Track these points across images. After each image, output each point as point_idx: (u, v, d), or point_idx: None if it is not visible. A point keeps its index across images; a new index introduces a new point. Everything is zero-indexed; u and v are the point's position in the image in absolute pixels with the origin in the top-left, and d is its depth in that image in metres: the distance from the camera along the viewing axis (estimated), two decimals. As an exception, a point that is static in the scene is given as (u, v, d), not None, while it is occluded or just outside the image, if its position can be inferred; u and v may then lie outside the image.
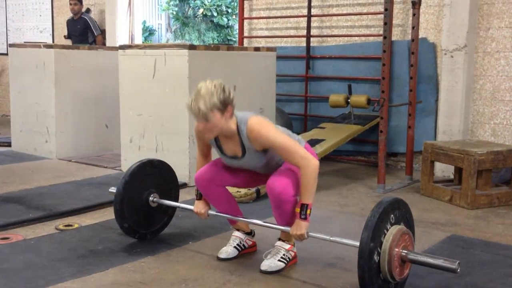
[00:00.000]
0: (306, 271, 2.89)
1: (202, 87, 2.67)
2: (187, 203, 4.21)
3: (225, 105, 2.67)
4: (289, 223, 2.82)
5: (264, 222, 3.02)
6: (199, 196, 3.08)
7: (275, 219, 2.89)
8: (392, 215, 2.53)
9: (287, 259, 2.89)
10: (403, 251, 2.49)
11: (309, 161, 2.66)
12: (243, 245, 3.10)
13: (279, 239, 2.96)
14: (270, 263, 2.86)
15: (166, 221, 3.43)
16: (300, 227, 2.70)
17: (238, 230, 3.13)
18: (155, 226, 3.35)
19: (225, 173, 2.99)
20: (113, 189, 3.25)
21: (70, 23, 7.81)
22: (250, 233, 3.16)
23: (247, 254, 3.13)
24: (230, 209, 3.08)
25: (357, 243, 2.46)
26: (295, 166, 2.71)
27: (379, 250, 2.44)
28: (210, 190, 2.99)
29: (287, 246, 2.91)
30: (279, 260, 2.87)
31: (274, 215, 2.87)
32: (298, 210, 2.70)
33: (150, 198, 3.25)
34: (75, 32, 7.72)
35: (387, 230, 2.48)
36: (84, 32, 7.65)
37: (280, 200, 2.73)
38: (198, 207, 3.08)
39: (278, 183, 2.72)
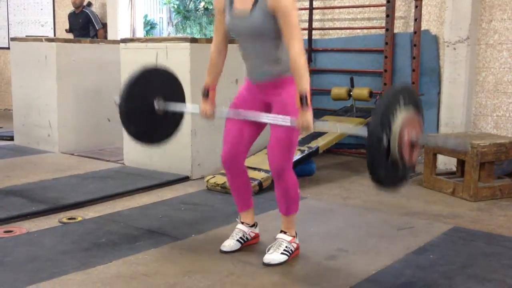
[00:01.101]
0: (309, 263, 2.90)
1: None
2: (189, 195, 4.24)
3: None
4: (293, 207, 2.89)
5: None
6: (206, 93, 3.02)
7: (277, 202, 2.94)
8: (401, 100, 2.48)
9: (290, 251, 2.90)
10: (413, 135, 2.45)
11: (303, 54, 2.64)
12: (246, 237, 3.11)
13: (281, 231, 2.96)
14: (273, 256, 2.86)
15: (173, 130, 3.34)
16: (305, 117, 2.63)
17: (242, 222, 3.13)
18: (162, 134, 3.29)
19: (243, 137, 2.95)
20: (117, 99, 3.16)
21: (71, 16, 7.81)
22: (254, 225, 3.16)
23: (250, 246, 3.13)
24: (246, 197, 3.11)
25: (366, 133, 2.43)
26: (286, 45, 2.66)
27: (388, 133, 2.40)
28: (236, 168, 2.99)
29: (289, 238, 2.92)
30: (281, 253, 2.87)
31: (278, 197, 2.91)
32: (298, 103, 2.64)
33: (156, 104, 3.15)
34: (76, 26, 7.72)
35: (396, 115, 2.43)
36: (85, 26, 7.64)
37: (281, 168, 2.80)
38: (204, 107, 3.01)
39: (277, 154, 2.79)
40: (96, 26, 7.63)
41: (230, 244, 3.07)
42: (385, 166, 2.42)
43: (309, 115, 2.64)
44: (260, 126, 2.99)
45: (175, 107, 3.20)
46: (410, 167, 2.55)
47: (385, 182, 2.51)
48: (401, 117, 2.44)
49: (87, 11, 7.67)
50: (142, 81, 3.15)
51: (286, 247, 2.90)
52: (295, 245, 2.95)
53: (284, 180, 2.84)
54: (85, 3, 7.76)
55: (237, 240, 3.08)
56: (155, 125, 3.21)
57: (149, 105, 3.15)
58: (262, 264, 2.85)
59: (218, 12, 2.94)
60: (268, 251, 2.89)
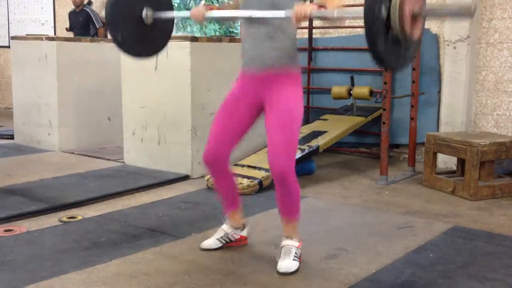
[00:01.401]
0: (309, 262, 2.90)
1: None
2: (189, 194, 4.24)
3: None
4: (295, 212, 2.83)
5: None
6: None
7: (279, 209, 2.87)
8: None
9: (299, 256, 2.87)
10: (415, 5, 2.28)
11: None
12: (228, 238, 3.10)
13: (286, 238, 2.89)
14: (288, 264, 2.79)
15: (163, 42, 3.24)
16: (304, 7, 2.54)
17: (226, 223, 3.12)
18: (151, 45, 3.18)
19: (226, 137, 2.90)
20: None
21: (72, 15, 7.80)
22: (240, 228, 3.13)
23: (250, 245, 3.14)
24: (231, 199, 3.07)
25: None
26: None
27: (387, 3, 2.22)
28: (219, 168, 2.95)
29: (297, 244, 2.87)
30: (293, 260, 2.81)
31: (279, 203, 2.83)
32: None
33: (144, 12, 3.03)
34: (77, 25, 7.71)
35: None
36: (86, 24, 7.64)
37: (284, 173, 2.69)
38: (197, 8, 2.90)
39: (278, 161, 2.68)
40: (97, 24, 7.62)
41: (209, 242, 3.08)
42: (385, 40, 2.25)
43: (308, 5, 2.54)
44: (249, 121, 2.92)
45: (164, 14, 3.08)
46: (413, 42, 2.37)
47: (386, 59, 2.32)
48: None
49: (87, 10, 7.66)
50: None
51: (296, 252, 2.84)
52: (300, 250, 2.91)
53: (286, 185, 2.74)
54: (85, 2, 7.76)
55: (217, 239, 3.08)
56: (144, 35, 3.09)
57: (137, 14, 3.03)
58: (277, 273, 2.76)
59: None
60: (279, 259, 2.83)
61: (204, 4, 2.89)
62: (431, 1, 5.39)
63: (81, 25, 7.63)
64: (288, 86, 2.76)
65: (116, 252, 3.03)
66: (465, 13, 2.24)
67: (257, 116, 2.94)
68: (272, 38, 2.74)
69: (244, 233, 3.15)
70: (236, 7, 2.94)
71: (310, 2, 2.55)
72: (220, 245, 3.08)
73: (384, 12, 2.22)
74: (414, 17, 2.30)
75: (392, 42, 2.29)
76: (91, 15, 7.63)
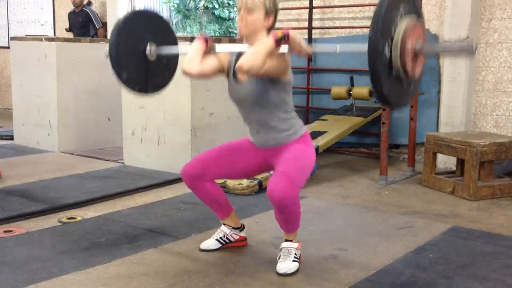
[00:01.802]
0: (309, 263, 2.90)
1: None
2: (189, 195, 4.23)
3: (270, 12, 2.73)
4: (294, 228, 2.81)
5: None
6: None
7: (279, 224, 2.83)
8: (402, 5, 2.32)
9: (298, 257, 2.86)
10: (417, 43, 2.31)
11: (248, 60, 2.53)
12: (228, 238, 3.09)
13: (286, 240, 2.87)
14: (288, 265, 2.79)
15: (167, 77, 3.22)
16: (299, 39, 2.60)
17: (224, 224, 3.12)
18: (156, 80, 3.16)
19: (213, 166, 2.92)
20: (107, 49, 3.02)
21: (71, 15, 7.80)
22: (239, 228, 3.14)
23: (250, 246, 3.14)
24: (218, 209, 3.06)
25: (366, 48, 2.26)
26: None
27: (389, 43, 2.24)
28: (197, 187, 2.95)
29: (296, 245, 2.87)
30: (293, 261, 2.81)
31: (278, 220, 2.79)
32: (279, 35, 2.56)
33: (148, 49, 3.03)
34: (76, 25, 7.72)
35: (398, 21, 2.28)
36: (85, 25, 7.64)
37: (283, 205, 2.63)
38: (202, 45, 2.85)
39: (278, 188, 2.59)
40: (96, 25, 7.62)
41: (208, 243, 3.08)
42: (389, 78, 2.27)
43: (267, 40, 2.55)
44: (247, 170, 2.97)
45: (168, 50, 3.08)
46: (414, 81, 2.39)
47: (391, 99, 2.35)
48: (403, 24, 2.28)
49: (87, 10, 7.66)
50: (131, 26, 3.00)
51: (295, 254, 2.83)
52: (299, 251, 2.91)
53: (286, 212, 2.69)
54: (85, 2, 7.76)
55: (216, 240, 3.08)
56: (149, 72, 3.09)
57: (141, 51, 3.03)
58: (277, 274, 2.76)
59: (218, 57, 2.88)
60: (279, 259, 2.83)
61: (202, 36, 2.88)
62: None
63: (81, 25, 7.64)
64: (295, 145, 2.78)
65: (115, 252, 3.03)
66: (467, 51, 2.28)
67: (258, 170, 3.01)
68: (264, 123, 2.78)
69: (243, 233, 3.15)
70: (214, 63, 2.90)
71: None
72: (220, 245, 3.08)
73: (387, 51, 2.24)
74: (416, 55, 2.33)
75: (395, 81, 2.32)
76: (91, 15, 7.64)
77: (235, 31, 14.80)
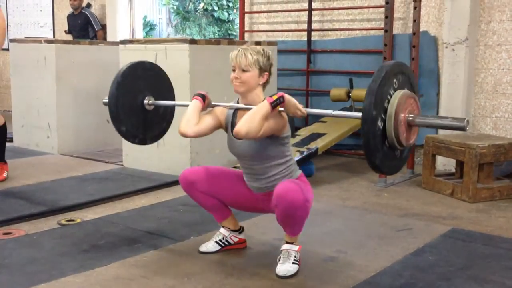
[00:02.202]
0: (307, 266, 2.90)
1: (251, 45, 2.83)
2: (188, 198, 4.22)
3: (265, 69, 2.76)
4: (298, 231, 2.83)
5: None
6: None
7: (283, 227, 2.82)
8: (395, 80, 2.40)
9: (298, 260, 2.87)
10: (409, 115, 2.39)
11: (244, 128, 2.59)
12: (227, 241, 3.10)
13: (287, 243, 2.88)
14: (287, 267, 2.79)
15: (164, 127, 3.33)
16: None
17: (223, 227, 3.12)
18: (154, 131, 3.26)
19: (209, 182, 2.96)
20: (106, 99, 3.14)
21: (70, 18, 7.80)
22: (238, 230, 3.14)
23: (249, 248, 3.14)
24: (216, 213, 3.08)
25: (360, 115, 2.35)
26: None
27: (383, 116, 2.33)
28: (193, 193, 2.99)
29: (297, 248, 2.87)
30: (293, 263, 2.81)
31: (282, 223, 2.79)
32: (274, 98, 2.62)
33: (145, 101, 3.13)
34: (75, 27, 7.71)
35: (391, 96, 2.37)
36: (84, 27, 7.64)
37: (293, 207, 2.64)
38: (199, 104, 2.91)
39: (288, 190, 2.63)
40: (95, 27, 7.62)
41: (207, 245, 3.09)
42: (382, 149, 2.36)
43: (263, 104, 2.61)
44: (244, 205, 3.01)
45: (166, 103, 3.17)
46: (407, 148, 2.47)
47: (382, 166, 2.44)
48: (395, 98, 2.36)
49: (86, 13, 7.66)
50: (130, 78, 3.11)
51: (295, 256, 2.84)
52: (299, 253, 2.92)
53: (296, 217, 2.71)
54: (84, 5, 7.76)
55: (216, 242, 3.09)
56: (147, 122, 3.18)
57: (139, 102, 3.13)
58: (276, 276, 2.76)
59: (214, 114, 2.92)
60: (279, 261, 2.83)
61: (199, 94, 2.93)
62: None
63: (80, 27, 7.63)
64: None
65: (115, 255, 3.03)
66: (458, 126, 2.33)
67: (247, 208, 3.05)
68: (262, 174, 2.83)
69: (242, 235, 3.15)
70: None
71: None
72: (219, 248, 3.08)
73: (380, 123, 2.33)
74: (409, 125, 2.42)
75: (388, 150, 2.41)
76: (90, 17, 7.63)
77: (235, 33, 14.81)
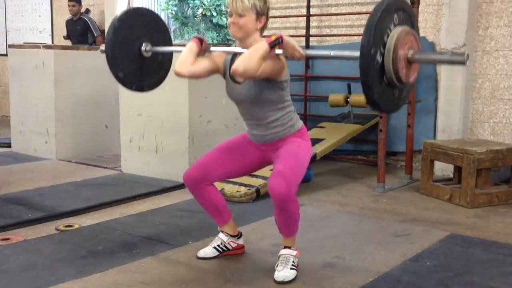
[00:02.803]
0: (306, 271, 2.89)
1: None
2: (187, 203, 4.23)
3: (262, 13, 2.73)
4: (293, 230, 2.83)
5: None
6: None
7: (277, 226, 2.84)
8: (395, 15, 2.36)
9: (296, 265, 2.86)
10: (409, 51, 2.35)
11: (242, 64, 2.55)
12: (225, 246, 3.09)
13: (284, 247, 2.88)
14: (285, 273, 2.79)
15: (162, 75, 3.29)
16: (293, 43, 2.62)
17: (222, 231, 3.12)
18: (151, 79, 3.22)
19: (214, 168, 2.94)
20: (103, 47, 3.08)
21: (69, 24, 7.79)
22: (236, 236, 3.14)
23: (247, 254, 3.13)
24: (217, 215, 3.07)
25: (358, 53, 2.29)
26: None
27: (382, 50, 2.29)
28: (199, 191, 2.97)
29: (294, 253, 2.87)
30: (291, 269, 2.81)
31: (277, 222, 2.81)
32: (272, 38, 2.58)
33: (143, 47, 3.09)
34: (74, 33, 7.70)
35: (391, 30, 2.32)
36: (83, 33, 7.63)
37: (284, 202, 2.66)
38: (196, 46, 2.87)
39: (278, 186, 2.63)
40: (95, 33, 7.62)
41: (205, 250, 3.08)
42: (380, 84, 2.32)
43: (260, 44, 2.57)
44: (248, 167, 2.99)
45: (162, 48, 3.13)
46: (407, 85, 2.44)
47: (381, 104, 2.38)
48: (396, 32, 2.32)
49: (85, 18, 7.65)
50: (126, 25, 3.05)
51: (293, 261, 2.84)
52: (297, 258, 2.91)
53: (285, 208, 2.71)
54: (83, 10, 7.76)
55: (214, 248, 3.08)
56: (144, 69, 3.14)
57: (136, 49, 3.08)
58: (274, 282, 2.76)
59: (212, 58, 2.89)
60: (277, 267, 2.83)
61: (197, 37, 2.90)
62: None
63: (79, 33, 7.63)
64: (291, 139, 2.82)
65: (113, 260, 3.02)
66: (458, 60, 2.30)
67: (258, 167, 3.03)
68: (262, 120, 2.81)
69: (241, 241, 3.15)
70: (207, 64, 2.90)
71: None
72: (217, 253, 3.08)
73: (379, 58, 2.28)
74: (409, 62, 2.37)
75: (386, 87, 2.36)
76: (89, 23, 7.63)
77: (233, 39, 14.82)
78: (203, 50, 2.87)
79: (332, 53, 2.59)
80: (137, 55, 3.09)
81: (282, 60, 2.70)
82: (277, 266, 2.82)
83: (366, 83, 2.28)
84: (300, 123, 2.89)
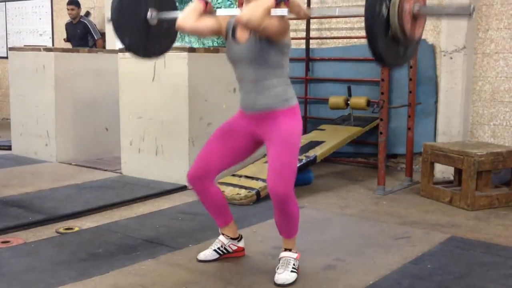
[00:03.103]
0: (306, 273, 2.89)
1: None
2: (187, 205, 4.24)
3: None
4: (293, 231, 2.84)
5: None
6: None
7: (278, 228, 2.86)
8: None
9: (297, 268, 2.86)
10: (415, 5, 2.35)
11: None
12: (225, 249, 3.10)
13: (285, 250, 2.89)
14: (285, 275, 2.79)
15: (169, 44, 3.35)
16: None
17: (223, 234, 3.12)
18: (157, 46, 3.29)
19: (214, 159, 2.94)
20: (109, 15, 3.15)
21: (69, 27, 7.78)
22: (236, 239, 3.14)
23: (248, 256, 3.13)
24: (219, 216, 3.08)
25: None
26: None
27: (387, 3, 2.30)
28: (203, 190, 2.97)
29: (295, 255, 2.87)
30: (291, 271, 2.81)
31: (277, 222, 2.83)
32: None
33: (149, 14, 3.12)
34: (74, 37, 7.68)
35: None
36: (84, 36, 7.61)
37: (283, 199, 2.69)
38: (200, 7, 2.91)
39: (278, 183, 2.68)
40: (95, 36, 7.60)
41: (205, 253, 3.08)
42: (385, 38, 2.33)
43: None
44: (243, 152, 2.97)
45: (168, 14, 3.16)
46: (412, 41, 2.45)
47: (386, 57, 2.40)
48: None
49: (85, 21, 7.64)
50: None
51: (294, 264, 2.84)
52: (298, 261, 2.92)
53: (286, 208, 2.74)
54: (82, 13, 7.76)
55: (214, 250, 3.08)
56: (150, 36, 3.18)
57: (142, 16, 3.12)
58: (275, 285, 2.76)
59: (216, 19, 2.91)
60: (277, 270, 2.83)
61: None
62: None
63: (79, 37, 7.61)
64: (284, 119, 2.80)
65: (113, 263, 3.02)
66: (464, 12, 2.29)
67: (254, 149, 3.00)
68: (258, 82, 2.79)
69: (241, 244, 3.15)
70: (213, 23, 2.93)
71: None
72: (217, 256, 3.08)
73: (384, 10, 2.29)
74: (414, 17, 2.36)
75: (391, 41, 2.36)
76: (89, 26, 7.62)
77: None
78: (208, 11, 2.91)
79: (338, 11, 2.60)
80: (143, 22, 3.14)
81: (287, 22, 2.71)
82: (278, 268, 2.82)
83: (371, 36, 2.29)
84: (295, 101, 2.87)
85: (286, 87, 2.83)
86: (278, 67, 2.79)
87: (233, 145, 2.94)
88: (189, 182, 3.00)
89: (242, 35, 2.80)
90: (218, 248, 3.09)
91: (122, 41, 3.13)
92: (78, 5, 7.54)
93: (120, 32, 3.08)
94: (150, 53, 3.28)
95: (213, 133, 3.02)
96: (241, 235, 3.16)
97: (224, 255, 3.09)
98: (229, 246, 3.10)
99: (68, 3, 7.53)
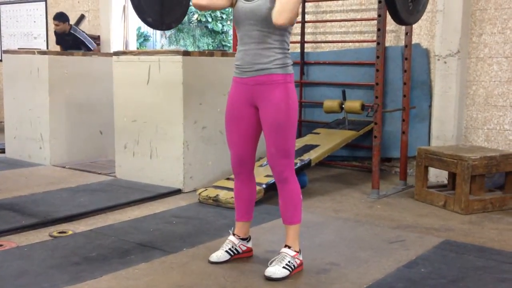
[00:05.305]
0: (300, 277, 2.89)
1: None
2: (181, 209, 4.23)
3: None
4: (295, 216, 2.93)
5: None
6: None
7: (280, 213, 2.97)
8: None
9: (292, 267, 2.87)
10: None
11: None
12: (236, 250, 3.10)
13: (285, 246, 2.92)
14: (275, 269, 2.82)
15: (183, 10, 3.75)
16: None
17: (234, 234, 3.13)
18: (174, 15, 3.65)
19: (238, 148, 3.02)
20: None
21: (58, 36, 7.40)
22: (246, 239, 3.15)
23: (241, 260, 3.12)
24: (244, 209, 3.13)
25: None
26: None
27: None
28: (246, 181, 3.08)
29: (293, 253, 2.88)
30: (283, 267, 2.84)
31: (281, 207, 2.95)
32: None
33: None
34: (66, 45, 7.26)
35: None
36: (75, 45, 7.15)
37: (284, 177, 2.88)
38: None
39: (276, 161, 2.87)
40: (90, 46, 7.25)
41: (218, 254, 3.08)
42: None
43: None
44: (255, 122, 2.98)
45: None
46: (421, 4, 2.59)
47: (401, 9, 2.57)
48: None
49: (75, 34, 7.25)
50: None
51: (289, 261, 2.86)
52: (298, 261, 2.92)
53: (288, 187, 2.89)
54: (72, 23, 7.40)
55: (226, 251, 3.08)
56: (165, 8, 3.53)
57: None
58: (264, 277, 2.80)
59: None
60: (270, 264, 2.86)
61: None
62: None
63: (71, 46, 7.14)
64: (278, 90, 2.85)
65: (106, 267, 3.01)
66: None
67: (258, 121, 3.02)
68: (260, 44, 2.84)
69: (250, 244, 3.16)
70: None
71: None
72: (229, 257, 3.08)
73: None
74: None
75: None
76: (80, 38, 7.23)
77: (229, 44, 14.84)
78: None
79: None
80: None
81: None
82: (271, 262, 2.84)
83: None
84: (291, 69, 2.92)
85: (284, 53, 2.88)
86: (280, 34, 2.84)
87: (244, 121, 2.99)
88: (233, 173, 3.09)
89: None
90: (230, 249, 3.09)
91: (144, 20, 3.55)
92: (63, 19, 7.14)
93: (140, 12, 3.45)
94: (170, 23, 3.66)
95: (225, 121, 3.07)
96: (250, 236, 3.18)
97: (235, 256, 3.09)
98: (239, 246, 3.11)
99: (53, 18, 7.20)
